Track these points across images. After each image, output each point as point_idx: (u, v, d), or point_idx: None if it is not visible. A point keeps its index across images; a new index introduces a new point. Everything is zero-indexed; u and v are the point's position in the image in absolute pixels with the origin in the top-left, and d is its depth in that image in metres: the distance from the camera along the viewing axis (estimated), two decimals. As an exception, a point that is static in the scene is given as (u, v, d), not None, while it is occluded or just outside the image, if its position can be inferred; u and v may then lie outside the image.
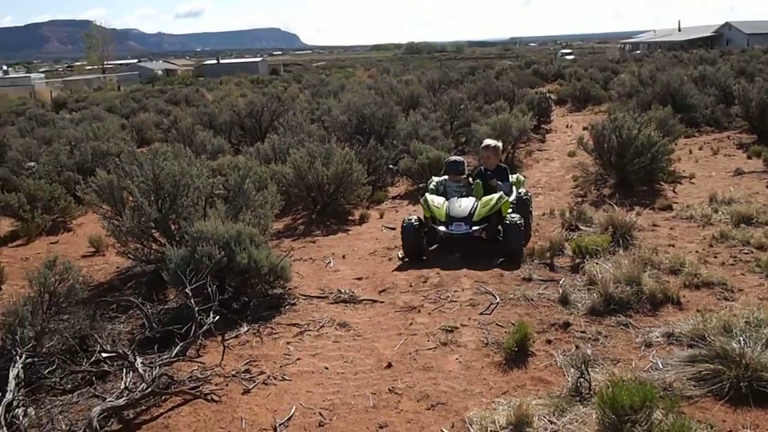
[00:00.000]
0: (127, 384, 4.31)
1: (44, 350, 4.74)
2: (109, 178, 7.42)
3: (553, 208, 8.97)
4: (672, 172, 10.38)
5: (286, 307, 6.09)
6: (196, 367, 4.85)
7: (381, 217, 9.76)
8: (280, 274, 6.11)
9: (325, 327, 5.62)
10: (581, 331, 5.15)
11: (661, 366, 4.45)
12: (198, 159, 7.96)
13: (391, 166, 11.92)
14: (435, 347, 5.06)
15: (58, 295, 5.08)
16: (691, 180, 10.40)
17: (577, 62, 49.85)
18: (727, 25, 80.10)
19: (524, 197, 7.92)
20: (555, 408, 3.99)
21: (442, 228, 7.20)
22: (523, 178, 8.59)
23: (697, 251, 6.88)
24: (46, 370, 4.62)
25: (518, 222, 7.00)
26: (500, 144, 8.51)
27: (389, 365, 4.82)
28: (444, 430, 3.89)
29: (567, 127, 18.76)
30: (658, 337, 4.90)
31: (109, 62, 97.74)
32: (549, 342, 5.01)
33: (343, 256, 7.80)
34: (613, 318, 5.32)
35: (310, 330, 5.57)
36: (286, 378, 4.72)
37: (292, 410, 4.24)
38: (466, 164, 8.07)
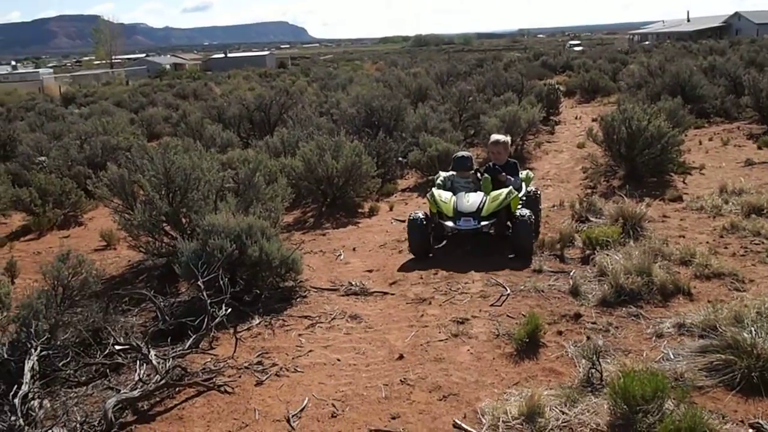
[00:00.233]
0: (141, 376, 4.35)
1: (58, 343, 4.77)
2: (120, 172, 7.45)
3: (563, 199, 8.97)
4: (682, 163, 10.34)
5: (298, 300, 6.12)
6: (209, 359, 4.90)
7: (390, 209, 9.78)
8: (291, 267, 6.14)
9: (337, 319, 5.65)
10: (592, 322, 5.16)
11: (672, 357, 4.45)
12: (208, 153, 7.97)
13: (400, 158, 11.93)
14: (446, 339, 5.08)
15: (71, 289, 5.12)
16: (701, 171, 10.36)
17: (585, 53, 49.66)
18: (737, 15, 79.60)
19: (534, 194, 7.81)
20: (567, 398, 4.01)
21: (449, 223, 7.02)
22: (532, 175, 8.36)
23: (707, 242, 6.87)
24: (61, 363, 4.66)
25: (528, 217, 6.82)
26: (510, 139, 8.37)
27: (401, 357, 4.84)
28: (456, 420, 3.91)
29: (576, 118, 18.72)
30: (669, 328, 4.90)
31: (117, 57, 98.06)
32: (560, 333, 5.02)
33: (354, 249, 7.82)
34: (623, 309, 5.32)
35: (321, 322, 5.60)
36: (299, 370, 4.75)
37: (305, 401, 4.27)
38: (474, 159, 7.95)
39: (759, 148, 11.84)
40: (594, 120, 15.79)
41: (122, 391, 4.16)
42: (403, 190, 11.18)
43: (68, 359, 4.72)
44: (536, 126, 14.72)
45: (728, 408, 3.82)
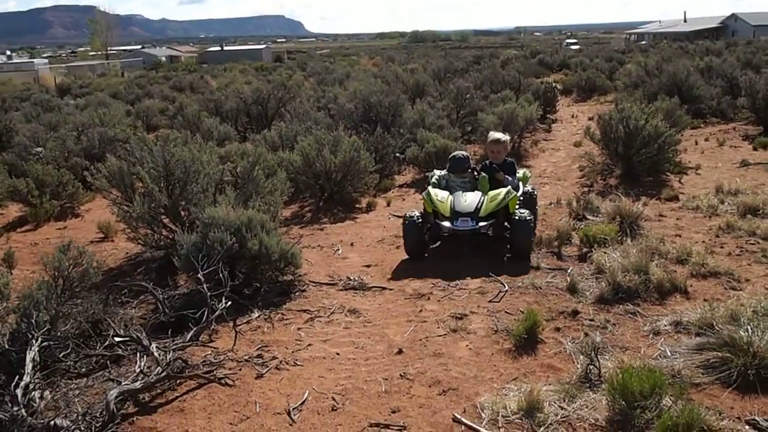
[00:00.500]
0: (142, 368, 4.37)
1: (59, 334, 4.78)
2: (119, 164, 7.46)
3: (560, 197, 9.02)
4: (678, 163, 10.40)
5: (297, 294, 6.15)
6: (209, 352, 4.92)
7: (388, 205, 9.80)
8: (290, 261, 6.16)
9: (336, 313, 5.68)
10: (590, 319, 5.20)
11: (669, 354, 4.50)
12: (207, 146, 7.98)
13: (398, 154, 11.95)
14: (445, 334, 5.11)
15: (71, 280, 5.13)
16: (697, 171, 10.43)
17: (582, 52, 49.71)
18: (733, 17, 79.88)
19: (531, 194, 7.73)
20: (565, 394, 4.05)
21: (446, 224, 6.79)
22: (529, 174, 8.24)
23: (703, 241, 6.92)
24: (61, 354, 4.68)
25: (528, 218, 6.70)
26: (509, 138, 8.22)
27: (400, 351, 4.87)
28: (456, 414, 3.94)
29: (572, 117, 18.79)
30: (666, 326, 4.95)
31: (112, 48, 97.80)
32: (558, 330, 5.06)
33: (351, 244, 7.85)
34: (621, 306, 5.36)
35: (320, 316, 5.62)
36: (298, 363, 4.77)
37: (305, 395, 4.30)
38: (471, 159, 7.77)
39: (754, 149, 11.90)
40: (590, 119, 15.85)
41: (124, 383, 4.17)
42: (401, 186, 11.21)
43: (68, 350, 4.74)
44: (533, 124, 14.75)
45: (725, 405, 3.86)
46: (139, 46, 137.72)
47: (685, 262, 6.19)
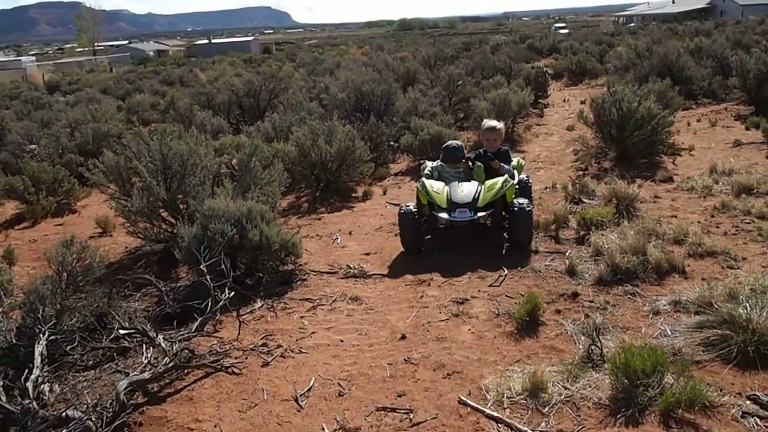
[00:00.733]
0: (149, 359, 4.42)
1: (65, 328, 4.82)
2: (116, 159, 7.47)
3: (555, 181, 9.06)
4: (671, 144, 10.45)
5: (298, 283, 6.19)
6: (214, 342, 4.97)
7: (384, 193, 9.84)
8: (291, 250, 6.21)
9: (338, 301, 5.73)
10: (589, 300, 5.26)
11: (669, 333, 4.56)
12: (204, 138, 8.00)
13: (392, 142, 11.97)
14: (447, 319, 5.17)
15: (75, 274, 5.16)
16: (691, 152, 10.49)
17: (571, 36, 49.69)
18: (721, -4, 79.80)
19: (526, 183, 7.57)
20: (568, 374, 4.11)
21: (443, 215, 6.56)
22: (523, 162, 8.04)
23: (699, 221, 6.99)
24: (68, 348, 4.72)
25: (526, 207, 6.47)
26: (503, 125, 7.95)
27: (403, 337, 4.92)
28: (462, 397, 4.00)
29: (564, 101, 18.82)
30: (665, 305, 5.02)
31: (99, 44, 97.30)
32: (558, 312, 5.12)
33: (350, 233, 7.88)
34: (620, 287, 5.43)
35: (322, 304, 5.67)
36: (303, 351, 4.82)
37: (312, 381, 4.35)
38: (464, 148, 7.56)
39: (747, 128, 11.96)
40: (582, 102, 15.90)
41: (132, 374, 4.22)
42: (396, 174, 11.24)
43: (75, 344, 4.78)
44: (526, 109, 14.78)
45: (726, 381, 3.93)
46: (127, 41, 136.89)
47: (682, 243, 6.26)
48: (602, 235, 6.38)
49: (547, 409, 3.81)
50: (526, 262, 6.17)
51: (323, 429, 3.82)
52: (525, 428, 3.63)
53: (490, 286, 5.75)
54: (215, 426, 3.93)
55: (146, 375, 4.20)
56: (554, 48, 37.81)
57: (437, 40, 61.27)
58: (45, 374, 4.19)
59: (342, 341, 4.96)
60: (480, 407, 3.87)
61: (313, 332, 5.15)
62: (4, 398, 3.84)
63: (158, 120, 17.64)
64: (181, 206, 7.13)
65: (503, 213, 6.73)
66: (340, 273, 6.43)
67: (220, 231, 5.73)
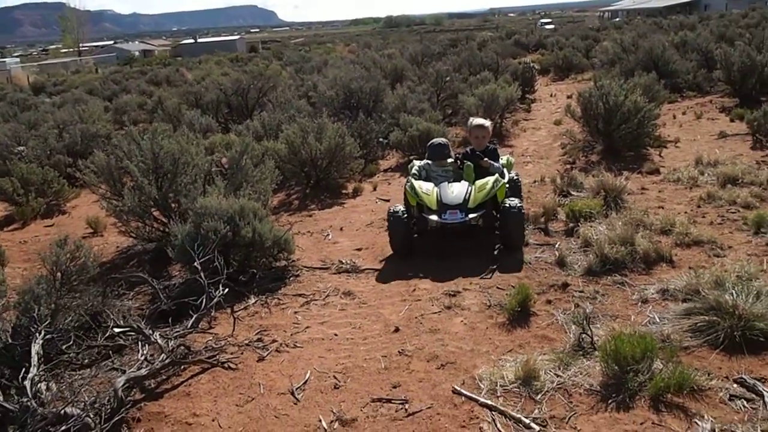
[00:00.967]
0: (146, 355, 4.46)
1: (60, 327, 4.85)
2: (107, 159, 7.49)
3: (544, 175, 9.15)
4: (658, 137, 10.55)
5: (291, 279, 6.24)
6: (210, 338, 5.01)
7: (374, 189, 9.89)
8: (283, 247, 6.26)
9: (331, 296, 5.78)
10: (579, 290, 5.34)
11: (658, 320, 4.65)
12: (195, 137, 8.03)
13: (381, 139, 12.02)
14: (439, 311, 5.23)
15: (69, 274, 5.19)
16: (677, 144, 10.60)
17: (557, 31, 49.87)
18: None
19: (516, 181, 7.39)
20: (560, 362, 4.19)
21: (434, 217, 6.39)
22: (513, 160, 7.82)
23: (686, 212, 7.09)
24: (64, 346, 4.75)
25: (519, 207, 6.32)
26: (491, 123, 7.89)
27: (396, 329, 4.98)
28: (456, 386, 4.06)
29: (551, 96, 18.92)
30: (653, 294, 5.11)
31: (84, 44, 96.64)
32: (549, 302, 5.20)
33: (341, 229, 7.94)
34: (609, 277, 5.51)
35: (316, 299, 5.72)
36: (298, 345, 4.87)
37: (307, 375, 4.40)
38: (451, 146, 7.53)
39: (731, 120, 12.08)
40: (569, 97, 15.98)
41: (129, 371, 4.25)
42: (386, 171, 11.29)
43: (70, 342, 4.81)
44: (514, 104, 14.86)
45: (713, 365, 4.02)
46: (112, 42, 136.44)
47: (669, 233, 6.35)
48: (591, 226, 6.47)
49: (539, 396, 3.88)
50: (517, 255, 6.24)
51: (320, 421, 3.88)
52: (518, 415, 3.69)
53: (481, 278, 5.81)
54: (213, 420, 3.98)
55: (143, 371, 4.24)
56: (540, 43, 37.98)
57: (424, 37, 61.28)
58: (42, 373, 4.22)
59: (336, 335, 5.02)
60: (474, 396, 3.94)
61: (307, 327, 5.20)
62: (1, 397, 3.87)
63: (146, 120, 17.59)
64: (173, 205, 7.16)
65: (494, 213, 6.58)
66: (332, 268, 6.48)
67: (213, 228, 5.78)
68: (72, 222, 9.92)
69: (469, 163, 7.00)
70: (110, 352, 4.84)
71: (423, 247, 6.71)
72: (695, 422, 3.50)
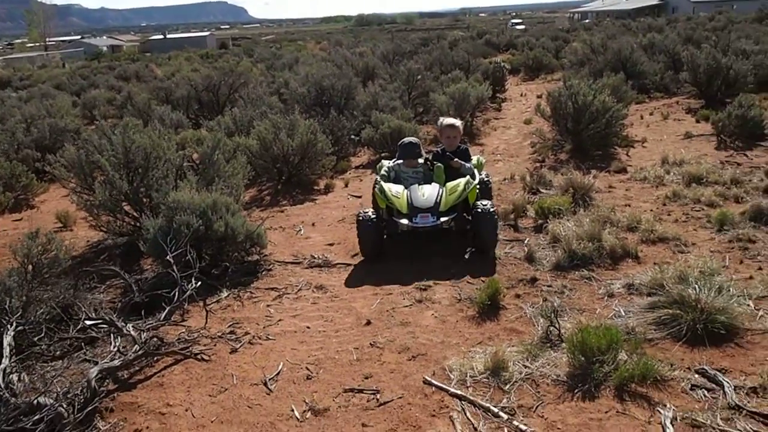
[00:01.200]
0: (118, 347, 4.47)
1: (31, 319, 4.84)
2: (78, 153, 7.44)
3: (513, 173, 9.27)
4: (625, 136, 10.75)
5: (263, 273, 6.27)
6: (182, 330, 5.03)
7: (346, 186, 9.94)
8: (256, 241, 6.29)
9: (303, 290, 5.83)
10: (548, 285, 5.46)
11: (623, 313, 4.78)
12: (167, 132, 8.01)
13: (353, 136, 12.07)
14: (411, 304, 5.31)
15: (41, 266, 5.17)
16: (644, 144, 10.80)
17: (528, 32, 50.29)
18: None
19: (486, 183, 7.35)
20: (528, 354, 4.29)
21: (404, 221, 6.26)
22: (483, 160, 7.73)
23: (651, 210, 7.26)
24: (35, 338, 4.74)
25: (491, 210, 6.16)
26: (462, 123, 7.78)
27: (368, 323, 5.05)
28: (426, 377, 4.14)
29: (521, 95, 19.11)
30: (619, 288, 5.24)
31: (51, 39, 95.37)
32: (518, 296, 5.30)
33: (313, 224, 7.98)
34: (576, 272, 5.64)
35: (288, 293, 5.77)
36: (270, 338, 4.92)
37: (280, 366, 4.45)
38: (422, 145, 7.36)
39: (697, 121, 12.33)
40: (539, 97, 16.16)
41: (102, 362, 4.27)
42: (357, 167, 11.34)
43: (42, 335, 4.81)
44: (485, 103, 14.99)
45: (676, 357, 4.14)
46: (79, 37, 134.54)
47: (635, 230, 6.51)
48: (559, 223, 6.59)
49: (508, 386, 3.97)
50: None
51: (293, 410, 3.93)
52: (487, 405, 3.78)
53: (452, 272, 5.90)
54: (186, 410, 4.01)
55: (116, 362, 4.26)
56: (511, 43, 38.30)
57: (395, 35, 61.42)
58: (13, 364, 4.22)
59: (308, 328, 5.07)
60: (444, 386, 4.02)
61: (279, 320, 5.24)
62: (-28, 388, 3.87)
63: (116, 115, 17.45)
64: (145, 199, 7.14)
65: (465, 215, 6.44)
66: (304, 263, 6.53)
67: (185, 222, 5.79)
68: (41, 216, 9.82)
69: (439, 164, 6.90)
70: (82, 344, 4.84)
71: (393, 248, 6.67)
72: (658, 411, 3.61)
